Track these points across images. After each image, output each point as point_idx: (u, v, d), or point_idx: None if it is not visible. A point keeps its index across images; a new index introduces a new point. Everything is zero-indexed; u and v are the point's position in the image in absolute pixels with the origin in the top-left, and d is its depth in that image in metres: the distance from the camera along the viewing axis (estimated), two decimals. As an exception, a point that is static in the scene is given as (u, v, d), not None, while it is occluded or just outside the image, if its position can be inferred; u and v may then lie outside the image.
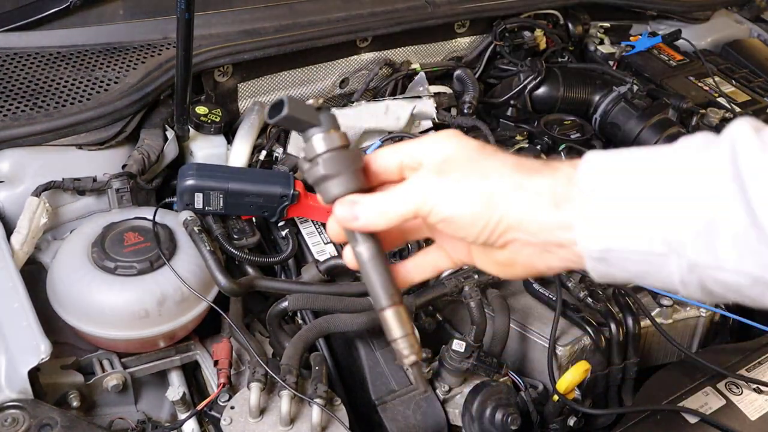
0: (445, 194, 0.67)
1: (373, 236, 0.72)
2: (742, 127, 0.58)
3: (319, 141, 0.69)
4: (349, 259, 0.74)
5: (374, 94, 1.92)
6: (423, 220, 0.71)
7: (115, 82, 1.59)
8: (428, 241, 0.81)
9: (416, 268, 0.79)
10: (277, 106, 0.67)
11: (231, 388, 1.32)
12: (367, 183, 0.72)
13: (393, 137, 1.74)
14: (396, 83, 1.94)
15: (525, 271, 0.71)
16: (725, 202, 0.55)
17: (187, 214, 1.46)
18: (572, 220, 0.62)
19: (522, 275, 0.72)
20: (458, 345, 1.32)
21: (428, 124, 1.87)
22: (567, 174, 0.64)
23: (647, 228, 0.59)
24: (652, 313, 1.56)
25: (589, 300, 1.52)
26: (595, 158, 0.63)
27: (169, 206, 1.54)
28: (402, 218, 0.69)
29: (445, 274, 1.49)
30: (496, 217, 0.65)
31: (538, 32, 2.15)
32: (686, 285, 0.60)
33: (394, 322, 0.71)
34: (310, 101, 0.70)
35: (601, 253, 0.62)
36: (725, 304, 1.68)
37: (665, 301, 1.59)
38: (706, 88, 2.13)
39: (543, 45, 2.15)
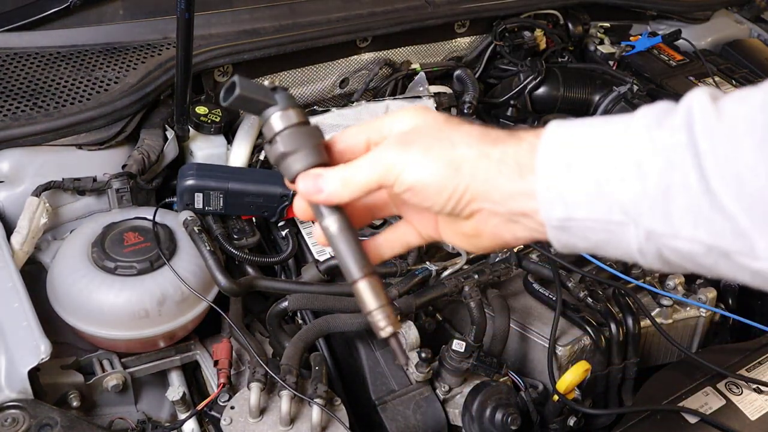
0: (411, 162, 0.66)
1: (340, 209, 0.71)
2: (700, 95, 0.58)
3: (276, 120, 0.68)
4: (318, 234, 0.72)
5: (374, 94, 1.92)
6: (388, 192, 0.70)
7: (115, 82, 1.59)
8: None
9: (386, 243, 0.78)
10: (230, 88, 0.66)
11: (231, 388, 1.32)
12: (331, 159, 0.71)
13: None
14: (396, 83, 1.94)
15: (491, 241, 0.70)
16: (680, 170, 0.55)
17: (187, 214, 1.46)
18: (534, 189, 0.62)
19: (489, 246, 0.72)
20: (458, 345, 1.32)
21: (428, 124, 1.86)
22: (531, 143, 0.64)
23: (605, 196, 0.59)
24: (652, 313, 1.56)
25: (589, 300, 1.52)
26: (558, 128, 0.63)
27: (169, 206, 1.54)
28: (366, 188, 0.68)
29: (446, 273, 1.49)
30: (463, 185, 0.65)
31: (538, 32, 2.15)
32: (644, 254, 0.59)
33: (368, 294, 0.70)
34: (265, 82, 0.69)
35: (562, 221, 0.62)
36: (726, 304, 1.68)
37: (665, 301, 1.59)
38: (706, 88, 2.12)
39: (543, 45, 2.15)
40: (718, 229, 0.54)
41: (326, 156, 0.70)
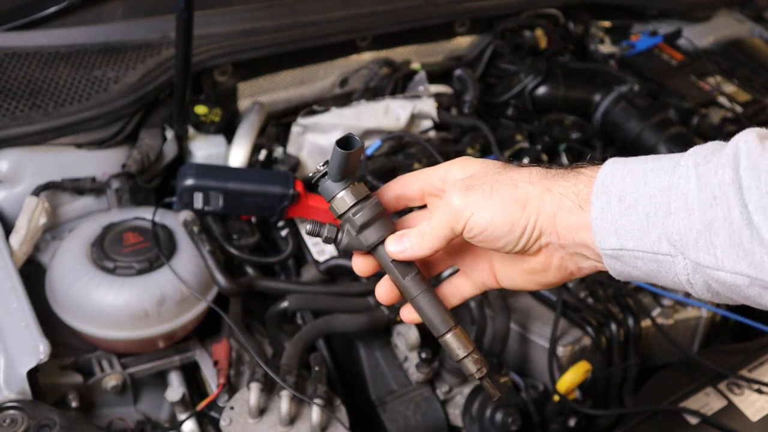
0: (479, 205, 0.69)
1: (418, 272, 0.76)
2: (748, 135, 0.61)
3: (349, 195, 0.74)
4: (406, 313, 0.78)
5: (374, 93, 1.92)
6: (457, 240, 0.73)
7: (114, 82, 1.59)
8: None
9: (442, 298, 0.81)
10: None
11: (230, 388, 1.32)
12: (387, 205, 0.77)
13: (393, 137, 1.74)
14: (396, 83, 1.94)
15: (557, 275, 0.73)
16: (723, 205, 0.58)
17: (186, 214, 1.46)
18: (591, 220, 0.65)
19: (554, 281, 0.74)
20: (458, 345, 1.32)
21: (428, 123, 1.86)
22: (589, 177, 0.67)
23: (654, 228, 0.62)
24: (653, 314, 1.55)
25: (590, 300, 1.51)
26: (615, 163, 0.66)
27: (168, 206, 1.54)
28: (441, 236, 0.72)
29: (446, 274, 1.49)
30: (532, 222, 0.68)
31: (539, 32, 2.14)
32: (693, 285, 0.62)
33: (456, 344, 0.75)
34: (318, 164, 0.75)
35: (615, 251, 0.65)
36: (726, 304, 1.67)
37: (666, 302, 1.59)
38: (707, 87, 2.12)
39: (543, 44, 2.15)
40: (758, 261, 0.57)
41: (392, 222, 0.77)
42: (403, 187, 0.77)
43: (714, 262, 0.59)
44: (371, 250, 0.76)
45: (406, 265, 0.76)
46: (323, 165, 0.74)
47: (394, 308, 1.36)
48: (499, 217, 0.68)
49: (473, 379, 0.76)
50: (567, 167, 0.70)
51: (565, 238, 0.68)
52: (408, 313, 0.78)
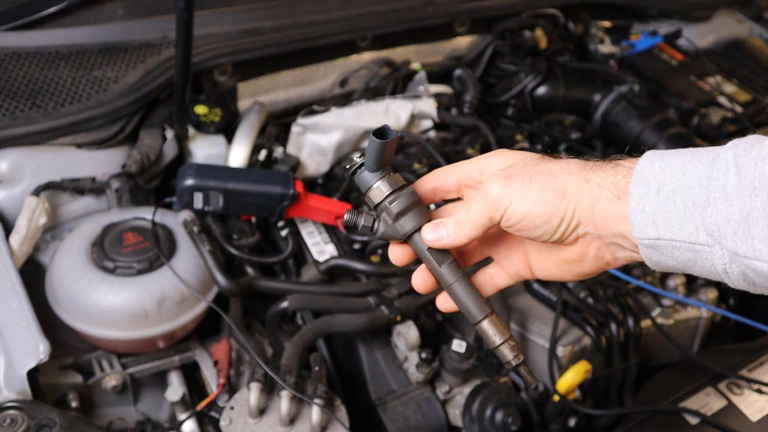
0: (518, 194, 0.70)
1: (453, 259, 0.77)
2: None
3: (385, 184, 0.76)
4: (442, 301, 0.79)
5: (374, 93, 1.92)
6: (492, 230, 0.74)
7: (114, 82, 1.59)
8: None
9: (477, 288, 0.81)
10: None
11: (230, 388, 1.32)
12: (423, 198, 0.78)
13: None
14: (396, 83, 1.94)
15: (593, 265, 0.74)
16: (762, 196, 0.59)
17: (186, 214, 1.46)
18: (629, 210, 0.66)
19: (590, 271, 0.75)
20: (458, 345, 1.32)
21: (428, 123, 1.86)
22: (627, 168, 0.68)
23: (692, 219, 0.63)
24: (653, 314, 1.55)
25: (590, 300, 1.51)
26: (653, 155, 0.67)
27: (168, 206, 1.54)
28: (478, 224, 0.73)
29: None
30: (570, 211, 0.69)
31: (539, 32, 2.14)
32: (729, 275, 0.63)
33: (492, 331, 0.76)
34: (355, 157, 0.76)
35: (652, 241, 0.66)
36: (726, 304, 1.68)
37: (666, 302, 1.59)
38: (707, 87, 2.12)
39: (543, 44, 2.15)
40: None
41: (428, 212, 0.78)
42: (439, 179, 0.78)
43: (752, 252, 0.60)
44: (407, 239, 0.77)
45: (441, 253, 0.76)
46: (359, 156, 0.75)
47: (394, 308, 1.36)
48: (537, 206, 0.69)
49: (509, 367, 0.77)
50: (605, 159, 0.71)
51: (602, 228, 0.69)
52: (444, 302, 0.79)
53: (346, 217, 0.77)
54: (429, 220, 0.76)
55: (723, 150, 0.63)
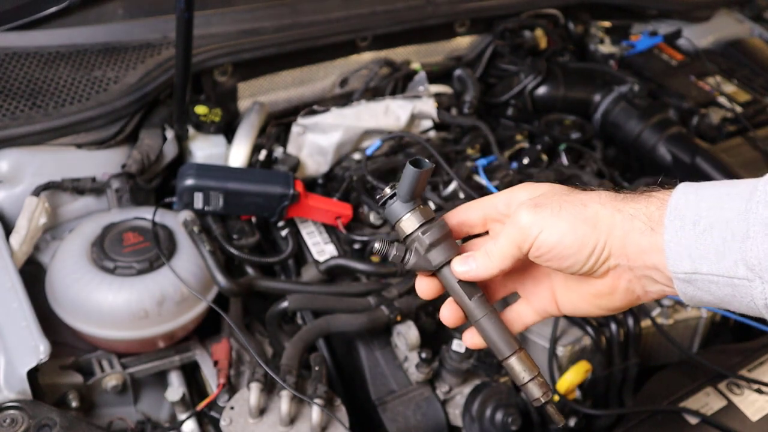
0: (548, 223, 0.68)
1: (482, 294, 0.76)
2: None
3: (417, 216, 0.76)
4: (468, 338, 0.78)
5: (374, 93, 1.92)
6: (518, 265, 0.73)
7: (114, 82, 1.59)
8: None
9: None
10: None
11: (231, 388, 1.32)
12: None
13: (393, 137, 1.74)
14: (396, 83, 1.94)
15: (624, 298, 0.72)
16: None
17: (186, 214, 1.46)
18: (663, 243, 0.65)
19: (620, 306, 0.74)
20: (458, 345, 1.32)
21: (428, 123, 1.86)
22: (661, 200, 0.67)
23: (731, 253, 0.61)
24: (653, 314, 1.55)
25: (590, 300, 1.51)
26: (687, 188, 0.66)
27: (168, 206, 1.54)
28: (508, 254, 0.72)
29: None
30: (602, 242, 0.68)
31: (539, 32, 2.14)
32: None
33: (520, 368, 0.75)
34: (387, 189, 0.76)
35: (688, 276, 0.64)
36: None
37: (666, 301, 1.59)
38: (707, 87, 2.12)
39: (543, 44, 2.15)
40: None
41: (457, 245, 0.77)
42: (465, 214, 0.78)
43: None
44: (436, 272, 0.77)
45: (471, 286, 0.76)
46: (390, 188, 0.75)
47: (394, 308, 1.36)
48: (568, 236, 0.68)
49: (537, 404, 0.75)
50: (636, 190, 0.70)
51: (634, 260, 0.67)
52: (471, 337, 0.78)
53: (376, 246, 0.77)
54: (459, 254, 0.76)
55: (761, 183, 0.62)
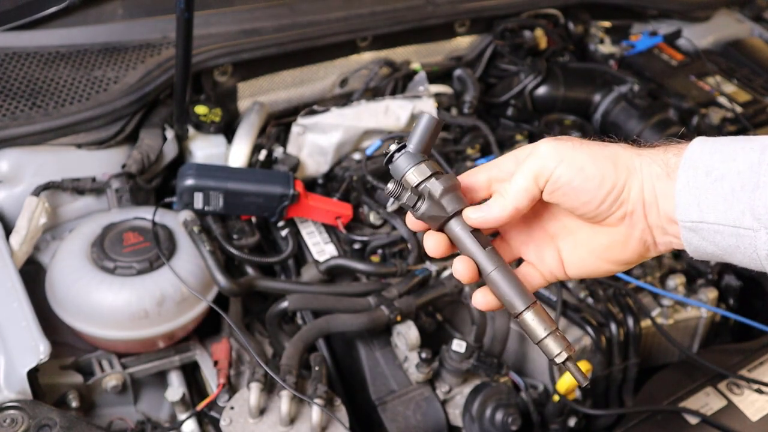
0: (569, 155, 0.67)
1: (493, 247, 0.73)
2: None
3: (427, 166, 0.74)
4: (464, 268, 0.73)
5: (374, 93, 1.92)
6: (521, 227, 0.73)
7: (114, 82, 1.59)
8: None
9: None
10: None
11: (231, 388, 1.32)
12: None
13: (393, 137, 1.74)
14: (396, 83, 1.94)
15: (636, 249, 0.71)
16: None
17: (186, 214, 1.46)
18: (675, 191, 0.66)
19: (632, 257, 0.72)
20: (458, 345, 1.32)
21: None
22: (679, 148, 0.68)
23: (739, 202, 0.62)
24: (653, 314, 1.55)
25: (590, 300, 1.51)
26: (704, 141, 0.67)
27: (168, 206, 1.54)
28: (524, 191, 0.69)
29: (446, 273, 1.49)
30: (622, 179, 0.67)
31: (539, 32, 2.14)
32: None
33: (536, 323, 0.71)
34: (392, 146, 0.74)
35: (694, 224, 0.65)
36: (726, 304, 1.68)
37: (666, 302, 1.59)
38: (707, 87, 2.12)
39: (543, 44, 2.15)
40: None
41: (465, 199, 0.74)
42: (468, 178, 0.75)
43: None
44: (445, 226, 0.73)
45: (483, 238, 0.73)
46: (397, 143, 0.74)
47: (394, 308, 1.36)
48: (589, 168, 0.67)
49: (557, 362, 0.70)
50: (655, 143, 0.70)
51: (650, 206, 0.68)
52: (483, 296, 0.74)
53: (389, 187, 0.73)
54: (468, 206, 0.73)
55: None
